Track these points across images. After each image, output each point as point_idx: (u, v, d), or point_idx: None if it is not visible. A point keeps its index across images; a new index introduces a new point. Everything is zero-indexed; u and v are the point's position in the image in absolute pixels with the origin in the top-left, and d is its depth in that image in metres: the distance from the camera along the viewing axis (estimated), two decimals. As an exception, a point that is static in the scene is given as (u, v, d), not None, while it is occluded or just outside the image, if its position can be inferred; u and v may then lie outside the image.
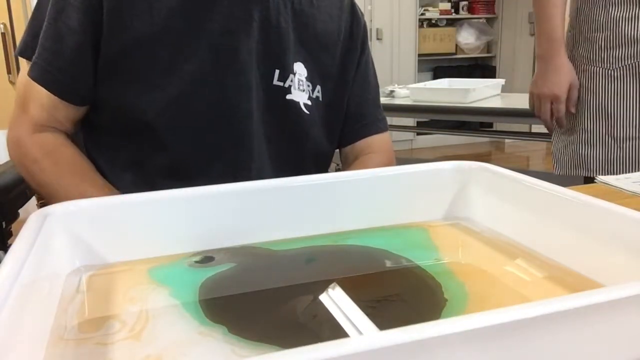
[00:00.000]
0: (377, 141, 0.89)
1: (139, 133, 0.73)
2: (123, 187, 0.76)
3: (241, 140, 0.76)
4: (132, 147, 0.75)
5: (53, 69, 0.71)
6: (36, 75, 0.72)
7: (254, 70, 0.76)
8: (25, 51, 0.74)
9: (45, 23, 0.71)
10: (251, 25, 0.75)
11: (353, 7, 0.88)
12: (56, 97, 0.72)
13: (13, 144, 0.74)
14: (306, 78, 0.81)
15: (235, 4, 0.74)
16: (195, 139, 0.74)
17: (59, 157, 0.73)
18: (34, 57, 0.72)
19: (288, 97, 0.79)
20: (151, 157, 0.74)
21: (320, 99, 0.83)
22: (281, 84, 0.78)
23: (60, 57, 0.71)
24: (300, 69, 0.80)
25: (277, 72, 0.78)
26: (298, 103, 0.80)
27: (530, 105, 1.33)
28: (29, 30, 0.74)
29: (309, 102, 0.81)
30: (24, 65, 0.74)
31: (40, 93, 0.72)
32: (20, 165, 0.75)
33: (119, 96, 0.72)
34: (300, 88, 0.80)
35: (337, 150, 0.91)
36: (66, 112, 0.74)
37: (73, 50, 0.70)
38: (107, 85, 0.72)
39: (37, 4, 0.75)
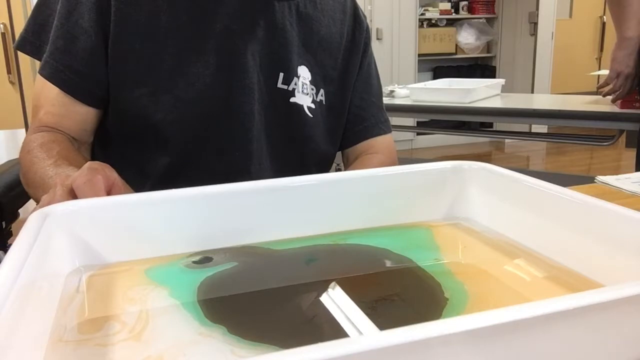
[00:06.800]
0: (379, 143, 0.89)
1: (143, 133, 0.73)
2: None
3: (242, 142, 0.76)
4: (136, 146, 0.75)
5: (65, 68, 0.71)
6: (48, 73, 0.72)
7: (257, 72, 0.76)
8: (24, 46, 0.74)
9: (55, 22, 0.71)
10: (256, 28, 0.75)
11: (355, 10, 0.88)
12: (67, 96, 0.71)
13: (21, 147, 0.74)
14: (310, 81, 0.81)
15: (241, 6, 0.74)
16: (197, 140, 0.74)
17: (53, 146, 0.71)
18: (45, 55, 0.72)
19: (292, 100, 0.79)
20: (153, 157, 0.74)
21: (324, 102, 0.83)
22: (285, 87, 0.78)
23: (73, 57, 0.71)
24: (304, 73, 0.80)
25: (281, 75, 0.78)
26: (302, 106, 0.80)
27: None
28: (28, 26, 0.74)
29: (313, 106, 0.81)
30: (24, 63, 0.75)
31: (52, 92, 0.72)
32: (20, 161, 0.74)
33: (125, 97, 0.72)
34: (304, 91, 0.80)
35: (339, 150, 0.91)
36: (76, 112, 0.73)
37: (86, 50, 0.70)
38: (114, 86, 0.72)
39: (40, 0, 0.75)
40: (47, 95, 0.72)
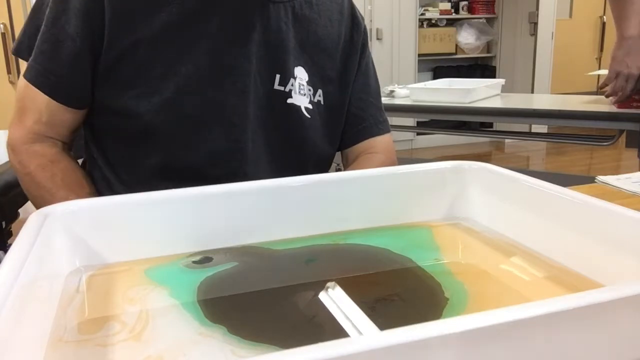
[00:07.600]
0: (379, 143, 0.89)
1: (135, 135, 0.73)
2: (120, 187, 0.76)
3: (236, 144, 0.75)
4: (129, 148, 0.75)
5: (49, 72, 0.71)
6: (32, 77, 0.72)
7: (253, 74, 0.76)
8: (21, 51, 0.74)
9: (42, 26, 0.71)
10: (251, 30, 0.75)
11: (353, 11, 0.88)
12: (52, 100, 0.72)
13: (10, 149, 0.74)
14: (307, 82, 0.81)
15: (236, 8, 0.74)
16: (189, 141, 0.74)
17: (55, 170, 0.73)
18: (30, 59, 0.72)
19: (289, 101, 0.79)
20: (147, 159, 0.74)
21: (322, 102, 0.83)
22: (282, 88, 0.78)
23: (56, 62, 0.71)
24: (301, 73, 0.80)
25: (277, 76, 0.78)
26: (299, 107, 0.80)
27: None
28: (25, 30, 0.75)
29: (310, 106, 0.81)
30: (24, 66, 0.74)
31: (38, 97, 0.72)
32: (16, 172, 0.75)
33: (117, 99, 0.72)
34: (301, 92, 0.80)
35: (338, 151, 0.91)
36: (63, 116, 0.73)
37: (70, 55, 0.70)
38: (106, 89, 0.72)
39: (36, 4, 0.74)
40: (34, 101, 0.72)
